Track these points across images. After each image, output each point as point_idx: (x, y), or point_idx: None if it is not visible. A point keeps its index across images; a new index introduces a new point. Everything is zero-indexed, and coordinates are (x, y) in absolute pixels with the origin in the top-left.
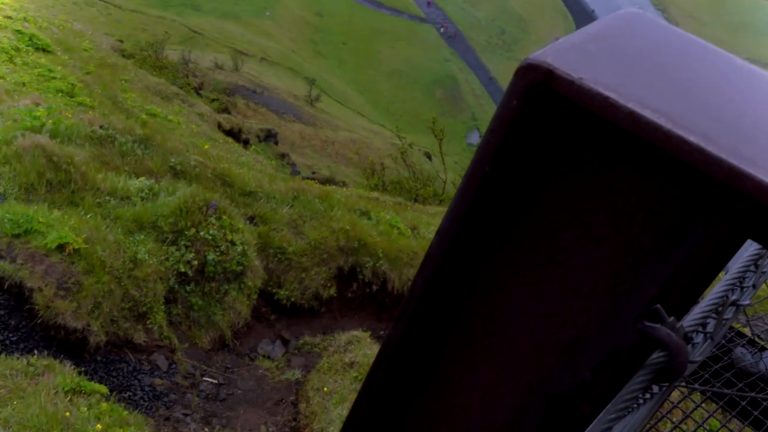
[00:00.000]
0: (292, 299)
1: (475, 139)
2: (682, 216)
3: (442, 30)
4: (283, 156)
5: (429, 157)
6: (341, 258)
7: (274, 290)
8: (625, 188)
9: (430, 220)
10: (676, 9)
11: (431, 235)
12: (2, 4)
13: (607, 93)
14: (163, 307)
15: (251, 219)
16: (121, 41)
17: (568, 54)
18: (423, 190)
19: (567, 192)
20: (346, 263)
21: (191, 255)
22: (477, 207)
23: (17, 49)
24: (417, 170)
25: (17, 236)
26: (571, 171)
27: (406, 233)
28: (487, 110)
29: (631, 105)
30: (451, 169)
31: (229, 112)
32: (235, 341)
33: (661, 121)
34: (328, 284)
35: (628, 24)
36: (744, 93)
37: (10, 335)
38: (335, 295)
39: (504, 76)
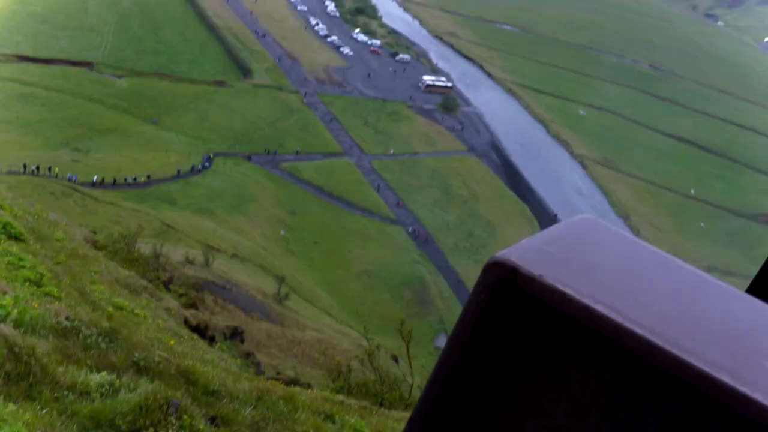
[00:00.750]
0: None
1: (443, 342)
2: (635, 405)
3: (410, 230)
4: (248, 355)
5: (396, 359)
6: None
7: None
8: (583, 379)
9: (396, 425)
10: (638, 216)
11: None
12: None
13: (564, 289)
14: None
15: (212, 419)
16: (95, 232)
17: (530, 253)
18: (389, 394)
19: (530, 383)
20: None
21: None
22: (446, 396)
23: None
24: (383, 373)
25: None
26: (533, 362)
27: None
28: (454, 313)
29: (587, 300)
30: (417, 373)
31: (196, 308)
32: None
33: (613, 315)
34: None
35: (583, 228)
36: (684, 291)
37: None
38: None
39: (471, 280)
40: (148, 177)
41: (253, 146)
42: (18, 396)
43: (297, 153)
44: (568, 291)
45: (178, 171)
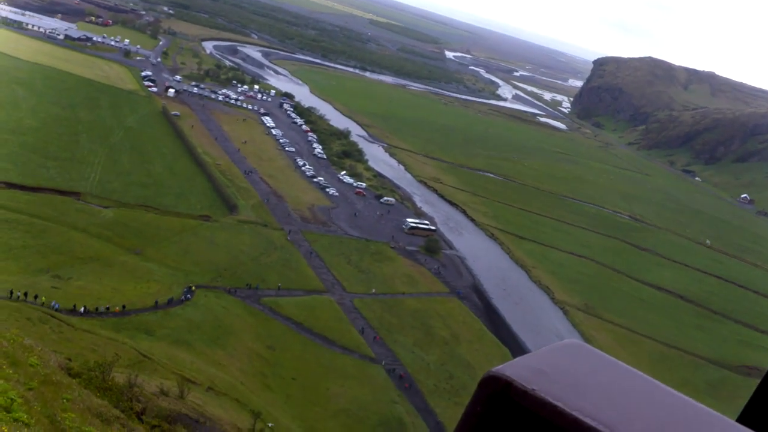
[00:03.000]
0: None
1: None
2: None
3: (390, 369)
4: None
5: None
6: None
7: None
8: None
9: None
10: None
11: None
12: None
13: (555, 402)
14: None
15: None
16: (70, 359)
17: (523, 370)
18: None
19: None
20: None
21: None
22: None
23: None
24: None
25: None
26: None
27: None
28: None
29: (576, 413)
30: None
31: None
32: None
33: (600, 427)
34: None
35: (570, 350)
36: (662, 407)
37: None
38: None
39: (451, 422)
40: (123, 307)
41: (235, 280)
42: None
43: (278, 288)
44: (559, 404)
45: (156, 302)
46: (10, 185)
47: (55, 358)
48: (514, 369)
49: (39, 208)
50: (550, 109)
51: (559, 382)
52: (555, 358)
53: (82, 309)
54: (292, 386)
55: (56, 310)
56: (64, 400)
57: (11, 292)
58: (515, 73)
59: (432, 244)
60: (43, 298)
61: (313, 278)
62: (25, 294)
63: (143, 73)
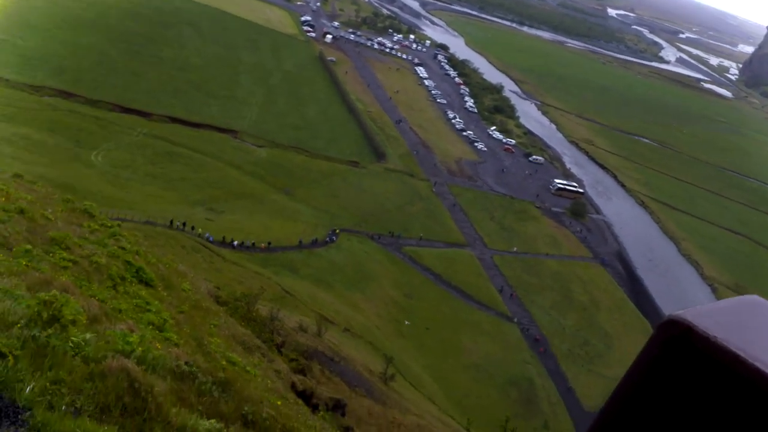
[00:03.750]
0: None
1: None
2: None
3: (528, 330)
4: (347, 429)
5: None
6: None
7: None
8: None
9: None
10: None
11: None
12: (120, 236)
13: (737, 351)
14: None
15: None
16: (218, 288)
17: (703, 318)
18: None
19: None
20: None
21: None
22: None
23: (123, 279)
24: None
25: None
26: (698, 415)
27: None
28: (561, 420)
29: (758, 363)
30: None
31: (304, 374)
32: None
33: None
34: None
35: (751, 304)
36: None
37: None
38: None
39: (582, 389)
40: (269, 243)
41: (378, 227)
42: (131, 429)
43: (420, 239)
44: (741, 353)
45: (300, 241)
46: (174, 120)
47: (205, 285)
48: (694, 315)
49: (199, 143)
50: (716, 75)
51: (740, 332)
52: (735, 310)
53: (235, 243)
54: (426, 336)
55: (210, 241)
56: (211, 326)
57: (171, 222)
58: (680, 35)
59: (578, 206)
60: (200, 229)
61: (454, 231)
62: (183, 224)
63: (302, 18)
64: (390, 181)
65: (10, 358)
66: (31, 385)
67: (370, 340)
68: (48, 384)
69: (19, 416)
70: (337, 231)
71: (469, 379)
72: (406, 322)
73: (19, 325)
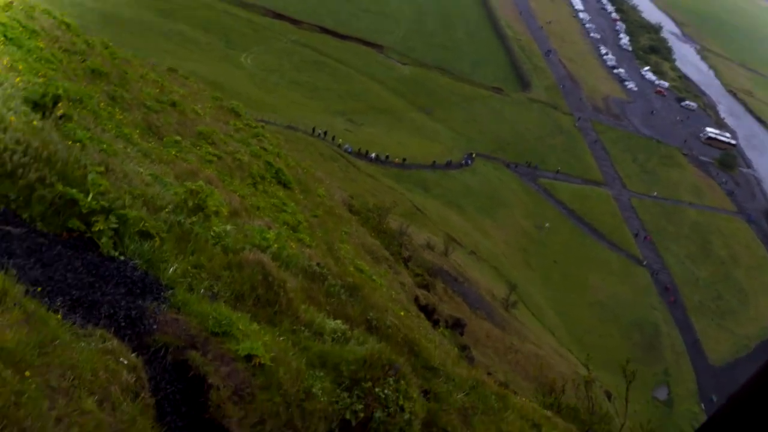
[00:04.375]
0: None
1: (663, 394)
2: None
3: (657, 274)
4: (464, 348)
5: (609, 397)
6: None
7: None
8: None
9: None
10: None
11: None
12: (262, 137)
13: None
14: None
15: (425, 393)
16: (352, 197)
17: None
18: (597, 426)
19: None
20: None
21: (360, 406)
22: None
23: (263, 178)
24: (596, 404)
25: (215, 334)
26: None
27: None
28: (683, 371)
29: None
30: (630, 417)
31: (428, 290)
32: None
33: None
34: None
35: None
36: None
37: (178, 420)
38: None
39: (709, 342)
40: (404, 160)
41: (515, 156)
42: (262, 319)
43: (557, 172)
44: None
45: (434, 162)
46: (323, 30)
47: (339, 193)
48: None
49: (345, 55)
50: None
51: None
52: None
53: (372, 155)
54: (553, 269)
55: (348, 152)
56: (343, 233)
57: (313, 129)
58: None
59: (728, 158)
60: (341, 140)
61: (593, 168)
62: (324, 133)
63: None
64: (532, 111)
65: (157, 239)
66: (174, 267)
67: (495, 266)
68: (189, 267)
69: (162, 294)
70: (473, 155)
71: (592, 317)
72: (546, 225)
73: (166, 210)
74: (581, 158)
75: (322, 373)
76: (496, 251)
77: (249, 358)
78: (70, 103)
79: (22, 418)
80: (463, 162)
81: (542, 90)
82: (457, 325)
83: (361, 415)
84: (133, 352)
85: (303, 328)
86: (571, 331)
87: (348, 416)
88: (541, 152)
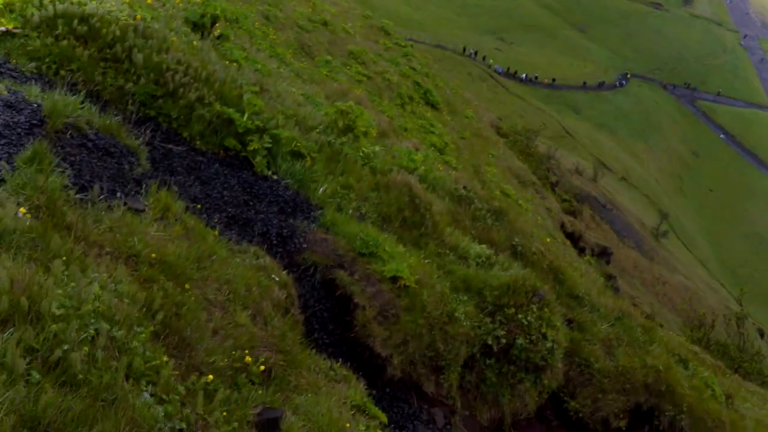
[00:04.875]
0: (580, 414)
1: None
2: None
3: None
4: (609, 277)
5: (761, 334)
6: (643, 395)
7: (565, 398)
8: None
9: (748, 396)
10: None
11: (746, 411)
12: (411, 56)
13: None
14: (459, 369)
15: (569, 322)
16: (500, 119)
17: None
18: (747, 364)
19: None
20: (646, 402)
21: (502, 332)
22: None
23: (411, 98)
24: (747, 341)
25: (363, 255)
26: None
27: (720, 398)
28: None
29: None
30: None
31: (574, 216)
32: (513, 430)
33: None
34: (621, 415)
35: None
36: None
37: (325, 337)
38: (624, 428)
39: None
40: (554, 80)
41: (673, 77)
42: (408, 241)
43: (718, 94)
44: None
45: (585, 83)
46: None
47: (487, 115)
48: None
49: None
50: None
51: None
52: None
53: (523, 76)
54: (708, 198)
55: (498, 72)
56: (490, 155)
57: (464, 49)
58: None
59: None
60: (491, 60)
61: (758, 91)
62: (475, 52)
63: None
64: (693, 28)
65: (308, 159)
66: (324, 187)
67: (646, 193)
68: (338, 188)
69: (312, 213)
70: (628, 75)
71: (748, 249)
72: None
73: (317, 130)
74: (745, 79)
75: (465, 298)
76: (648, 177)
77: (394, 279)
78: (227, 23)
79: (182, 328)
80: (617, 83)
81: (706, 4)
82: (603, 254)
83: (503, 341)
84: (284, 269)
85: (448, 251)
86: (724, 264)
87: (490, 341)
88: (701, 73)
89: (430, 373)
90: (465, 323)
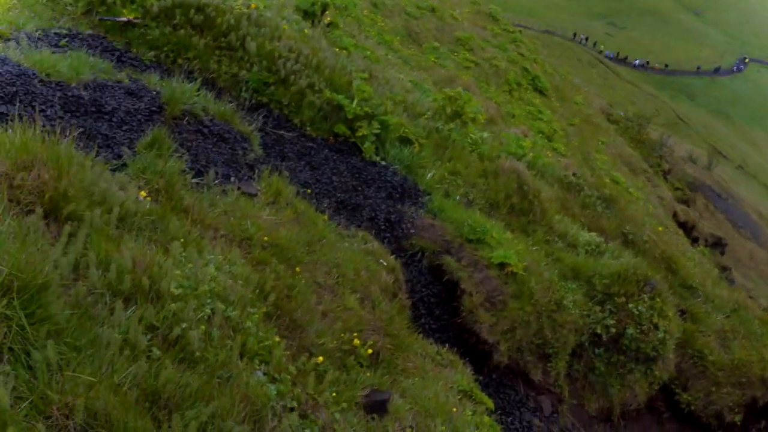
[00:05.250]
0: (692, 407)
1: None
2: None
3: None
4: (724, 269)
5: None
6: (760, 389)
7: (677, 390)
8: None
9: None
10: None
11: None
12: (520, 42)
13: None
14: (567, 357)
15: (682, 312)
16: (610, 105)
17: None
18: None
19: None
20: (764, 397)
21: (612, 321)
22: None
23: (518, 84)
24: None
25: (470, 241)
26: None
27: None
28: None
29: None
30: None
31: (687, 206)
32: (622, 421)
33: None
34: (736, 410)
35: None
36: None
37: (432, 322)
38: (738, 423)
39: None
40: (666, 66)
41: None
42: (516, 228)
43: None
44: None
45: (699, 67)
46: None
47: (597, 101)
48: None
49: None
50: None
51: None
52: None
53: (636, 62)
54: None
55: (609, 57)
56: (600, 142)
57: (574, 35)
58: None
59: None
60: (602, 46)
61: None
62: (585, 38)
63: None
64: None
65: (416, 145)
66: (432, 173)
67: (765, 182)
68: (446, 174)
69: (420, 199)
70: (747, 60)
71: None
72: None
73: (425, 116)
74: None
75: (574, 286)
76: (766, 165)
77: (502, 266)
78: (336, 11)
79: (293, 310)
80: (734, 68)
81: None
82: (717, 244)
83: (613, 330)
84: (391, 254)
85: (556, 238)
86: None
87: (599, 330)
88: None
89: (537, 360)
90: (573, 311)
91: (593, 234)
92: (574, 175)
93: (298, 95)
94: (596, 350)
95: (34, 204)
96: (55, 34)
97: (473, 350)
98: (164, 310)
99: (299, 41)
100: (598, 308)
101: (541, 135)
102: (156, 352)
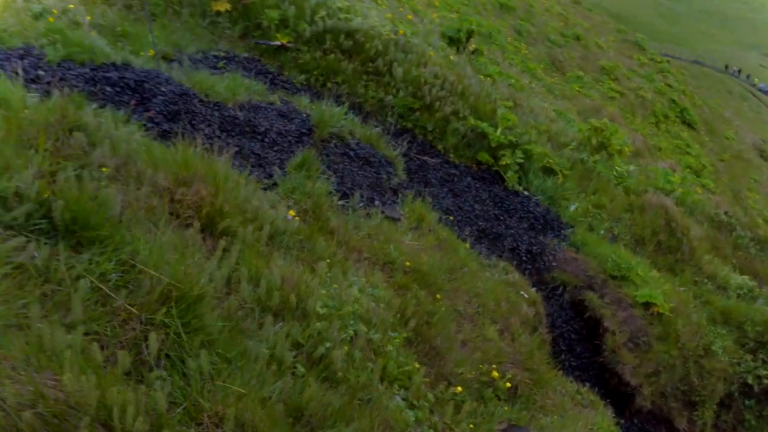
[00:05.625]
0: None
1: None
2: None
3: None
4: None
5: None
6: None
7: None
8: None
9: None
10: None
11: None
12: (667, 72)
13: None
14: (714, 407)
15: None
16: (763, 141)
17: None
18: None
19: None
20: None
21: (765, 372)
22: None
23: (666, 117)
24: None
25: (614, 278)
26: None
27: None
28: None
29: None
30: None
31: None
32: None
33: None
34: None
35: None
36: None
37: (572, 359)
38: None
39: None
40: None
41: None
42: (662, 266)
43: None
44: None
45: None
46: None
47: (750, 136)
48: None
49: None
50: None
51: None
52: None
53: None
54: None
55: (762, 90)
56: (752, 180)
57: (726, 66)
58: None
59: None
60: (756, 79)
61: None
62: (738, 71)
63: None
64: None
65: (560, 176)
66: (576, 205)
67: None
68: (590, 207)
69: (562, 231)
70: None
71: None
72: None
73: (570, 147)
74: None
75: (724, 331)
76: None
77: (647, 305)
78: (481, 38)
79: (433, 337)
80: None
81: None
82: None
83: (766, 381)
84: (532, 286)
85: (706, 280)
86: None
87: (750, 380)
88: None
89: (682, 407)
90: (723, 358)
91: (745, 277)
92: (726, 213)
93: (443, 121)
94: (747, 401)
95: (192, 218)
96: (214, 56)
97: (614, 392)
98: (310, 328)
99: (444, 68)
100: (749, 357)
101: (689, 170)
102: (300, 369)
